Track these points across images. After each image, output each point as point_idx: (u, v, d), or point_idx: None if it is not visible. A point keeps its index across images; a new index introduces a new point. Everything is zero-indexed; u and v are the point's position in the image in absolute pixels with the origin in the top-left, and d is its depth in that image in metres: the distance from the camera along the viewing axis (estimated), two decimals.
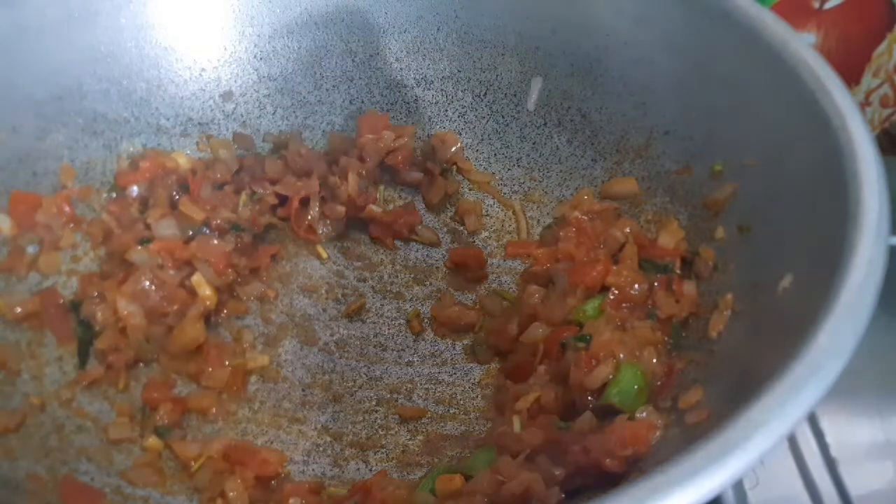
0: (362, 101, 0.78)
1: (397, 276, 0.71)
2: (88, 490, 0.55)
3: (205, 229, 0.68)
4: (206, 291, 0.64)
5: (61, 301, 0.64)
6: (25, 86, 0.66)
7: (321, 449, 0.60)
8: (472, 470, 0.51)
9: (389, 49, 0.77)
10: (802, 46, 0.54)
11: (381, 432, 0.61)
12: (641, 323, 0.57)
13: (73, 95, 0.68)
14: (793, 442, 0.58)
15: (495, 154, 0.76)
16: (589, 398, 0.54)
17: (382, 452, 0.59)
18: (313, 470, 0.58)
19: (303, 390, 0.63)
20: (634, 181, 0.68)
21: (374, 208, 0.73)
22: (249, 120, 0.76)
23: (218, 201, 0.69)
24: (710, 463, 0.36)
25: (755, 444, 0.36)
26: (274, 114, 0.77)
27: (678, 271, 0.60)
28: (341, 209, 0.72)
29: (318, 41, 0.76)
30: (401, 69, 0.77)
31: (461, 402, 0.62)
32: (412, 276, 0.71)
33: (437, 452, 0.58)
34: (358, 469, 0.58)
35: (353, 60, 0.77)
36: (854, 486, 0.56)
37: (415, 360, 0.66)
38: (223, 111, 0.75)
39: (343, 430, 0.61)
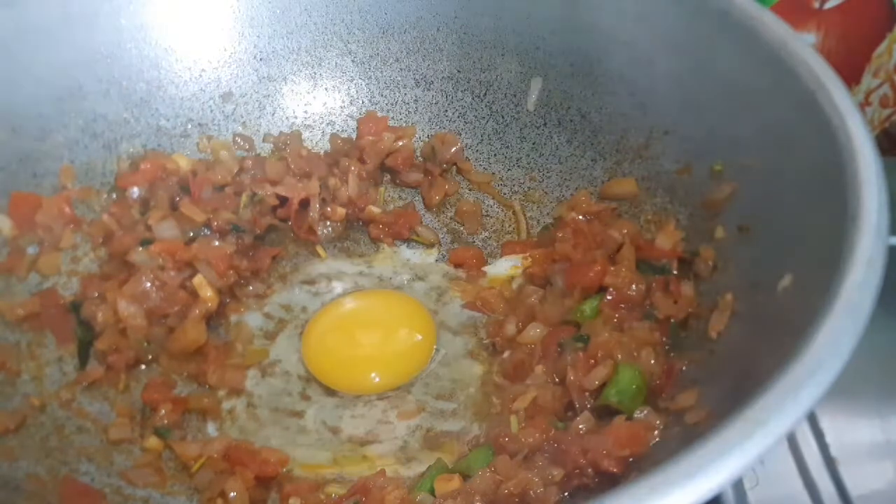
0: (362, 102, 0.78)
1: (397, 275, 0.71)
2: (88, 490, 0.55)
3: (206, 231, 0.68)
4: (207, 293, 0.64)
5: (61, 302, 0.64)
6: (25, 86, 0.66)
7: (320, 443, 0.60)
8: (471, 470, 0.51)
9: (389, 49, 0.77)
10: (802, 46, 0.54)
11: (379, 427, 0.61)
12: (639, 323, 0.57)
13: (73, 96, 0.69)
14: (793, 442, 0.58)
15: (495, 154, 0.76)
16: (587, 398, 0.54)
17: (381, 447, 0.59)
18: (313, 459, 0.58)
19: (302, 384, 0.64)
20: (634, 182, 0.68)
21: (374, 209, 0.73)
22: (249, 121, 0.76)
23: (219, 203, 0.69)
24: (709, 463, 0.36)
25: (755, 443, 0.36)
26: (274, 114, 0.77)
27: (675, 272, 0.60)
28: (342, 210, 0.72)
29: (317, 41, 0.76)
30: (401, 69, 0.77)
31: (460, 399, 0.62)
32: (412, 274, 0.71)
33: (437, 448, 0.59)
34: (357, 464, 0.58)
35: (352, 60, 0.77)
36: (854, 486, 0.56)
37: None
38: (223, 112, 0.76)
39: (342, 425, 0.61)
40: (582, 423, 0.51)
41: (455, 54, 0.76)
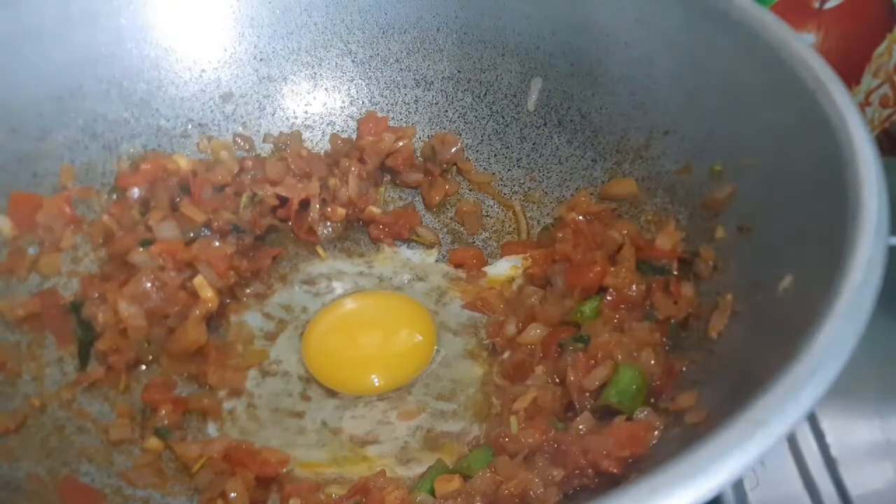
0: (362, 102, 0.78)
1: (397, 276, 0.71)
2: (89, 491, 0.55)
3: (206, 231, 0.68)
4: (207, 293, 0.64)
5: (62, 302, 0.64)
6: (26, 86, 0.66)
7: (321, 444, 0.60)
8: (471, 470, 0.51)
9: (389, 49, 0.77)
10: (802, 46, 0.54)
11: (380, 427, 0.61)
12: (639, 324, 0.57)
13: (73, 96, 0.69)
14: (793, 442, 0.58)
15: (495, 155, 0.76)
16: (587, 399, 0.54)
17: (382, 447, 0.59)
18: (313, 459, 0.58)
19: (302, 385, 0.64)
20: (633, 182, 0.68)
21: (375, 209, 0.73)
22: (250, 121, 0.76)
23: (219, 203, 0.69)
24: (710, 463, 0.36)
25: (755, 444, 0.36)
26: (274, 115, 0.77)
27: (675, 272, 0.60)
28: (342, 211, 0.72)
29: (317, 41, 0.76)
30: (401, 70, 0.77)
31: (460, 400, 0.62)
32: (413, 275, 0.71)
33: (437, 448, 0.59)
34: (357, 465, 0.58)
35: (352, 60, 0.77)
36: (854, 487, 0.56)
37: None
38: (223, 112, 0.76)
39: (342, 426, 0.61)
40: (582, 423, 0.51)
41: (455, 54, 0.76)
